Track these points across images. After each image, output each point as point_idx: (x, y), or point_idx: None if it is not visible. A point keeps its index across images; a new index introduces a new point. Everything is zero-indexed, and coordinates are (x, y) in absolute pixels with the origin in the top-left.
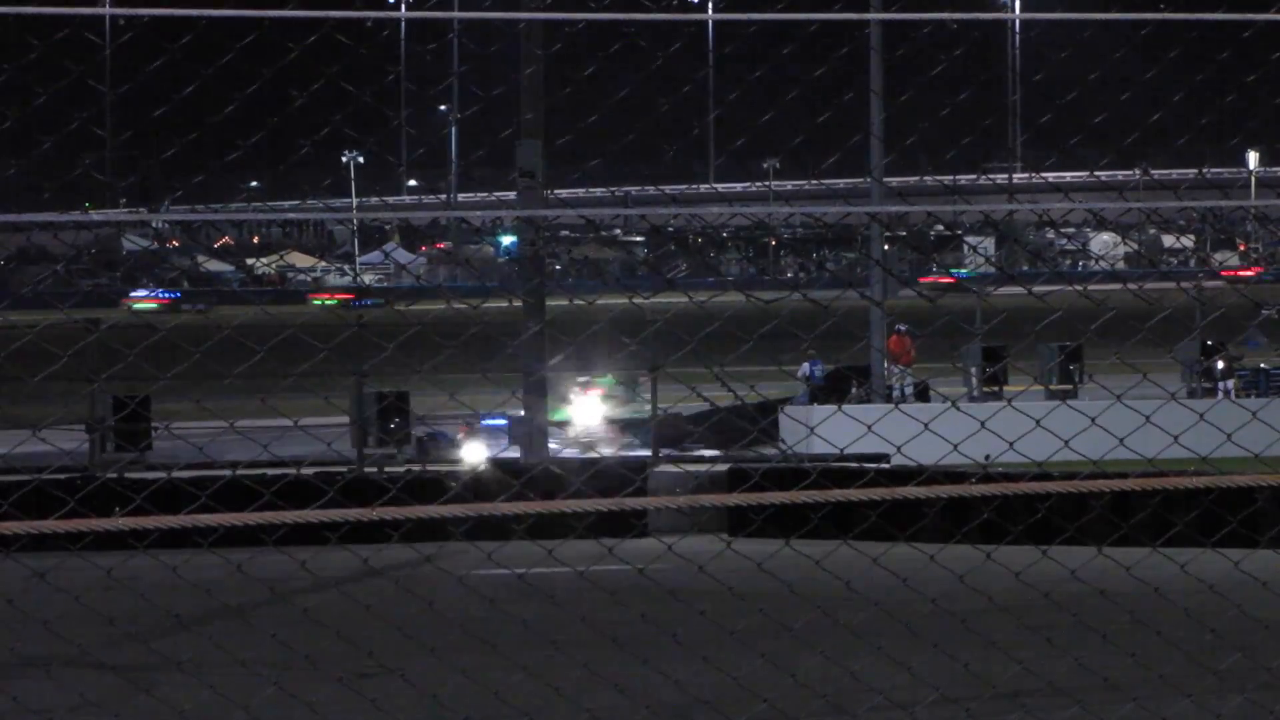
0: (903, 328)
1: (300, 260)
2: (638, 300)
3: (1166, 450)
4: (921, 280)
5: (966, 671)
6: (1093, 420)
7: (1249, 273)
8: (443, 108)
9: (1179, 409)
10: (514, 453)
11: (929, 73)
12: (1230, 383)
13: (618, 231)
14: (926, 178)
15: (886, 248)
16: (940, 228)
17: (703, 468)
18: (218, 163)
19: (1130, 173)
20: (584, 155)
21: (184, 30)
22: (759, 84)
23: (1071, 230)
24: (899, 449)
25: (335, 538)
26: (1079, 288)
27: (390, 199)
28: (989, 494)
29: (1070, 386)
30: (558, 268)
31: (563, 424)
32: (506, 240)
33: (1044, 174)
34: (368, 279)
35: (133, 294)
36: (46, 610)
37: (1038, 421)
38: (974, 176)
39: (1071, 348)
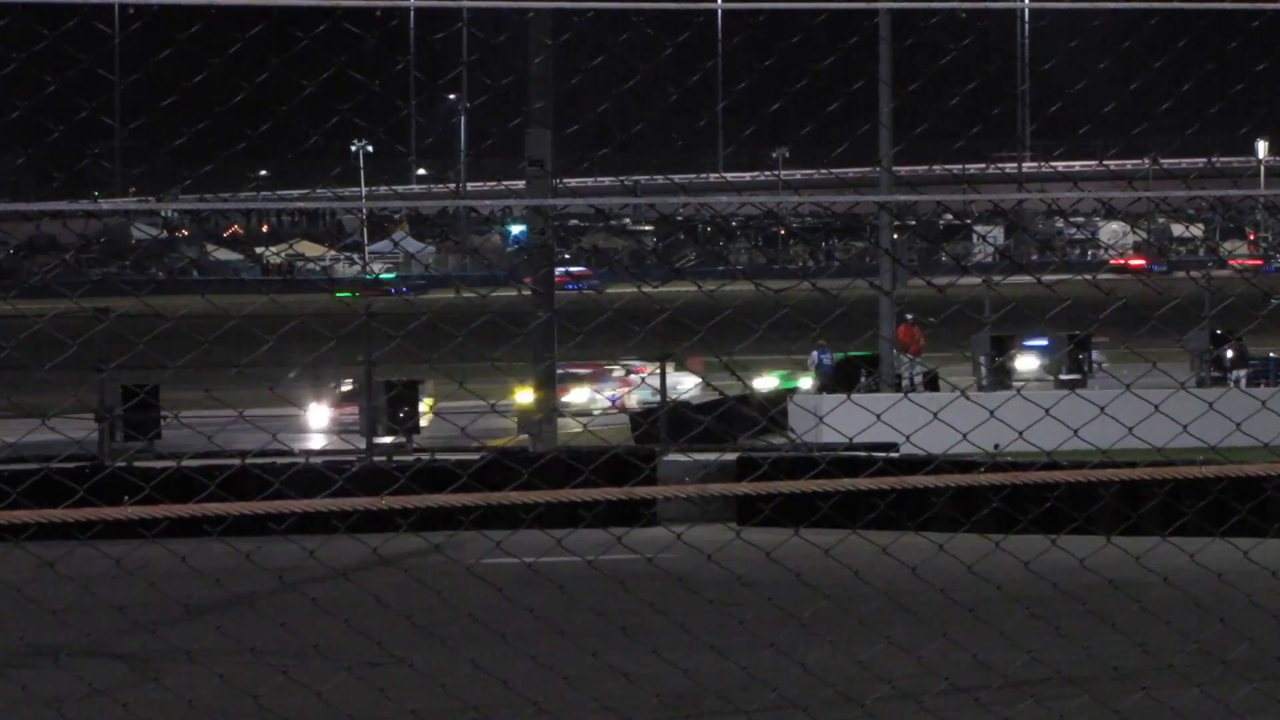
0: (911, 316)
1: (310, 249)
2: (646, 289)
3: (1175, 439)
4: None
5: (975, 661)
6: (1102, 409)
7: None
8: (452, 97)
9: (1188, 398)
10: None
11: (938, 62)
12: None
13: (627, 220)
14: (935, 167)
15: (896, 237)
16: (949, 217)
17: (712, 457)
18: (226, 152)
19: (1139, 162)
20: (593, 144)
21: (192, 19)
22: (768, 73)
23: (1081, 219)
24: (908, 438)
25: (344, 526)
26: (1087, 277)
27: (399, 188)
28: (998, 483)
29: (1079, 376)
30: (566, 256)
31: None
32: (516, 229)
33: (1053, 163)
34: (377, 268)
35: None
36: (55, 599)
37: (1047, 410)
38: (983, 166)
39: (1081, 337)
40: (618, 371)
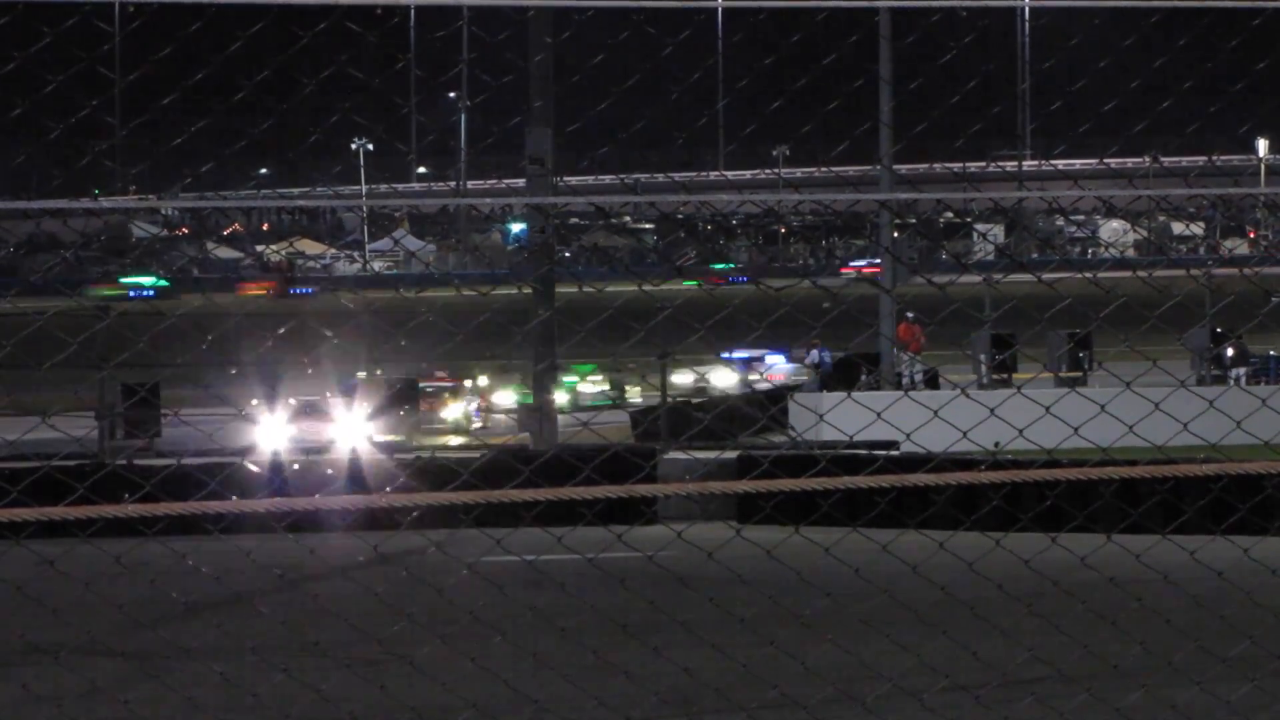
0: (911, 315)
1: (310, 248)
2: (647, 287)
3: (1176, 438)
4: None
5: (976, 658)
6: (1102, 408)
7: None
8: (452, 95)
9: (1188, 396)
10: None
11: (938, 60)
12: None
13: (627, 219)
14: (936, 165)
15: (896, 235)
16: (950, 215)
17: (712, 455)
18: (227, 150)
19: (1140, 160)
20: (594, 142)
21: (193, 17)
22: (768, 71)
23: (1081, 218)
24: (908, 436)
25: (344, 524)
26: (1088, 275)
27: (400, 186)
28: (998, 481)
29: (1080, 374)
30: (567, 254)
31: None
32: (516, 227)
33: (1053, 161)
34: (377, 266)
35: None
36: (56, 597)
37: (1047, 409)
38: (983, 164)
39: (1081, 335)
40: (468, 383)
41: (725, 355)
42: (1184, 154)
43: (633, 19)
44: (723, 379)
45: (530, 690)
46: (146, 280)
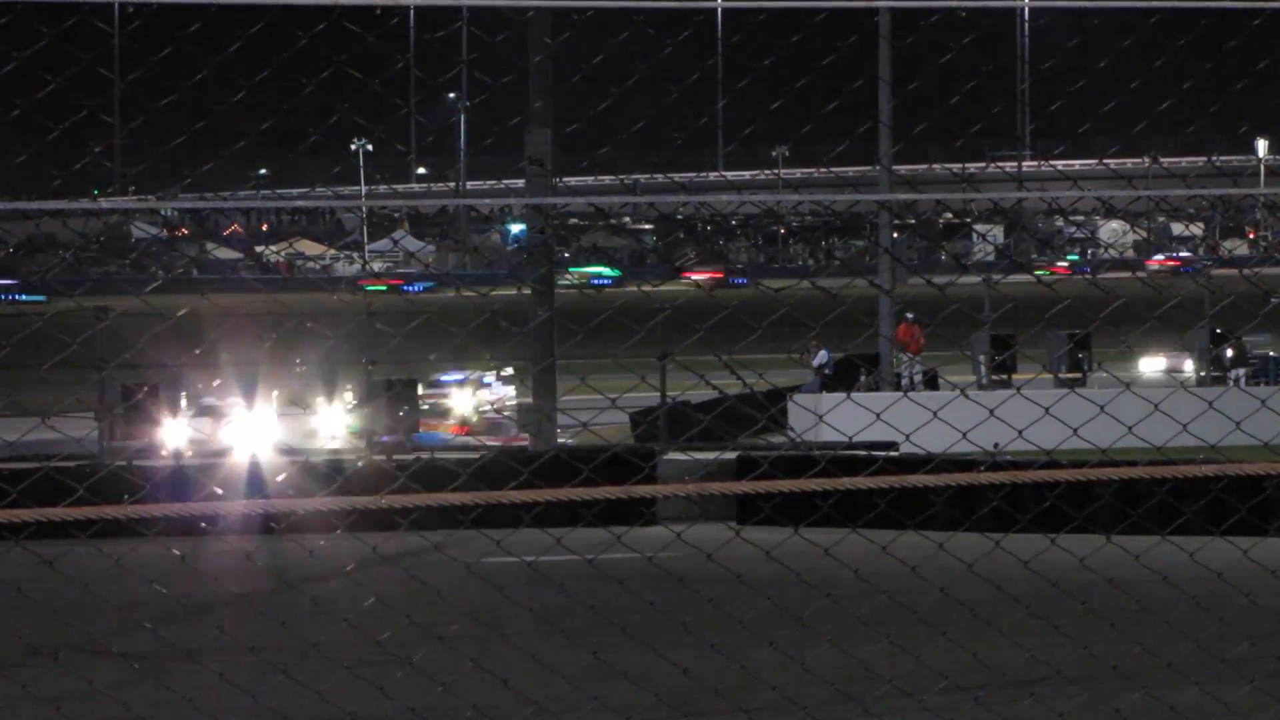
0: (911, 316)
1: (310, 248)
2: (646, 288)
3: (1175, 438)
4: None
5: (975, 659)
6: (1101, 408)
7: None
8: (451, 95)
9: (1188, 397)
10: None
11: (938, 61)
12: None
13: (626, 219)
14: (935, 166)
15: (895, 235)
16: (949, 215)
17: (711, 455)
18: (227, 150)
19: (1139, 160)
20: (593, 143)
21: (192, 18)
22: (767, 72)
23: (1080, 218)
24: (908, 437)
25: (344, 525)
26: (1087, 276)
27: (399, 187)
28: (997, 482)
29: (1079, 374)
30: (566, 255)
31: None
32: (515, 228)
33: (1053, 162)
34: (376, 266)
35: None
36: (55, 597)
37: (1046, 410)
38: (983, 164)
39: (1080, 335)
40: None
41: (441, 378)
42: (1183, 154)
43: (632, 19)
44: (460, 401)
45: (530, 691)
46: (603, 270)
